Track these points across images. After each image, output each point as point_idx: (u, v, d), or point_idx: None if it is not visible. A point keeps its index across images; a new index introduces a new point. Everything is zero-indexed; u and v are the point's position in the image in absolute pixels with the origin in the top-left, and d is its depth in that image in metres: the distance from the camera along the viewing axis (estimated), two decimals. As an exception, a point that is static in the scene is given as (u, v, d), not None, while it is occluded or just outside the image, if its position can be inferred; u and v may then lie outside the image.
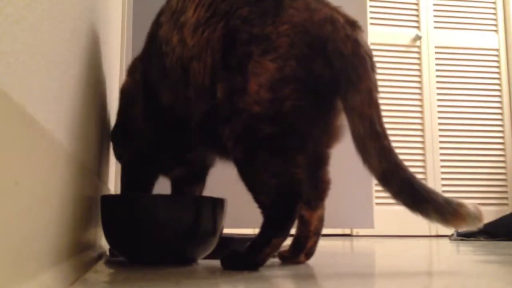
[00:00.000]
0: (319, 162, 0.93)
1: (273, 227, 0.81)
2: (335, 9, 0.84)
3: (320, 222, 0.96)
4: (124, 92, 1.11)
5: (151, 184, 1.11)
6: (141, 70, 1.04)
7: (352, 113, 0.79)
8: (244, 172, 0.84)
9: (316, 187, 0.93)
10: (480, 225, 0.76)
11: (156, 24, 1.00)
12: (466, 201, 0.77)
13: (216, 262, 0.84)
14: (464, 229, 0.79)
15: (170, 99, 0.95)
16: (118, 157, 1.13)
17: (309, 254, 0.96)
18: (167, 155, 1.04)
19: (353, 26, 0.83)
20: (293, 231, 0.94)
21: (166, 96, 0.96)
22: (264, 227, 0.81)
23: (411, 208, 0.76)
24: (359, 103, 0.78)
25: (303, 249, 0.95)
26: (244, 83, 0.81)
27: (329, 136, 0.89)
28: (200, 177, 1.12)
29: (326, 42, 0.80)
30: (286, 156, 0.81)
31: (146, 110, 1.02)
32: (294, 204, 0.81)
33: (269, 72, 0.80)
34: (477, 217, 0.76)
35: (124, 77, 2.00)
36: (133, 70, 1.09)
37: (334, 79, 0.80)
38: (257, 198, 0.83)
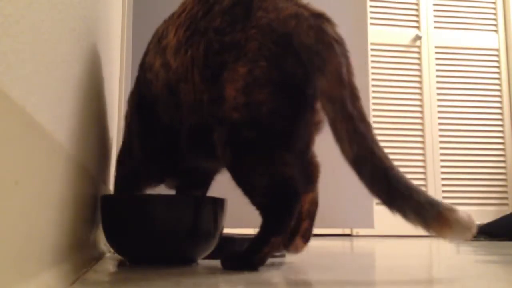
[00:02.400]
0: (305, 148, 0.92)
1: (271, 226, 0.81)
2: (302, 6, 0.83)
3: (313, 205, 0.95)
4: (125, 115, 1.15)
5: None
6: (135, 93, 1.05)
7: (322, 97, 0.77)
8: (236, 177, 0.84)
9: (304, 171, 0.92)
10: (469, 237, 0.67)
11: (145, 52, 1.02)
12: (458, 207, 0.68)
13: (216, 262, 0.84)
14: (450, 238, 0.68)
15: (166, 119, 0.96)
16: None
17: (305, 237, 0.94)
18: (160, 168, 1.06)
19: (318, 17, 0.81)
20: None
21: (163, 117, 0.97)
22: (262, 227, 0.81)
23: (385, 203, 0.70)
24: (326, 85, 0.76)
25: (297, 232, 0.93)
26: (221, 91, 0.82)
27: (312, 125, 0.88)
28: (202, 184, 1.12)
29: (291, 37, 0.80)
30: (272, 156, 0.81)
31: (139, 128, 1.04)
32: (290, 202, 0.81)
33: (241, 76, 0.80)
34: (468, 226, 0.67)
35: (124, 78, 2.00)
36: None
37: (307, 76, 0.79)
38: (253, 201, 0.83)
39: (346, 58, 0.79)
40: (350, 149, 0.73)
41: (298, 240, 0.94)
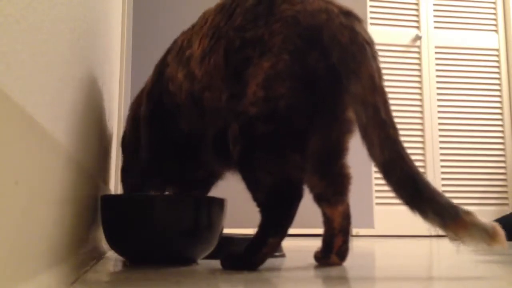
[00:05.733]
0: (333, 156, 0.90)
1: (269, 227, 0.81)
2: (329, 2, 0.83)
3: (345, 219, 0.92)
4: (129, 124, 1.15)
5: None
6: (149, 104, 1.05)
7: (355, 101, 0.77)
8: (242, 171, 0.84)
9: (332, 183, 0.91)
10: (491, 246, 0.68)
11: (163, 63, 1.02)
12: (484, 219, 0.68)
13: (216, 262, 0.84)
14: (466, 240, 0.68)
15: (187, 127, 0.96)
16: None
17: (341, 255, 0.92)
18: (169, 178, 1.07)
19: (348, 15, 0.81)
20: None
21: (183, 125, 0.97)
22: (261, 227, 0.81)
23: (409, 205, 0.71)
24: (361, 90, 0.76)
25: (332, 249, 0.92)
26: (243, 88, 0.81)
27: (339, 131, 0.88)
28: (202, 189, 1.12)
29: (321, 31, 0.79)
30: (281, 154, 0.80)
31: (151, 138, 1.04)
32: (290, 204, 0.80)
33: (264, 70, 0.80)
34: (488, 232, 0.68)
35: (124, 78, 2.00)
36: (139, 102, 1.11)
37: (332, 71, 0.78)
38: (255, 197, 0.83)
39: (376, 60, 0.79)
40: (381, 155, 0.73)
41: (334, 258, 0.92)
